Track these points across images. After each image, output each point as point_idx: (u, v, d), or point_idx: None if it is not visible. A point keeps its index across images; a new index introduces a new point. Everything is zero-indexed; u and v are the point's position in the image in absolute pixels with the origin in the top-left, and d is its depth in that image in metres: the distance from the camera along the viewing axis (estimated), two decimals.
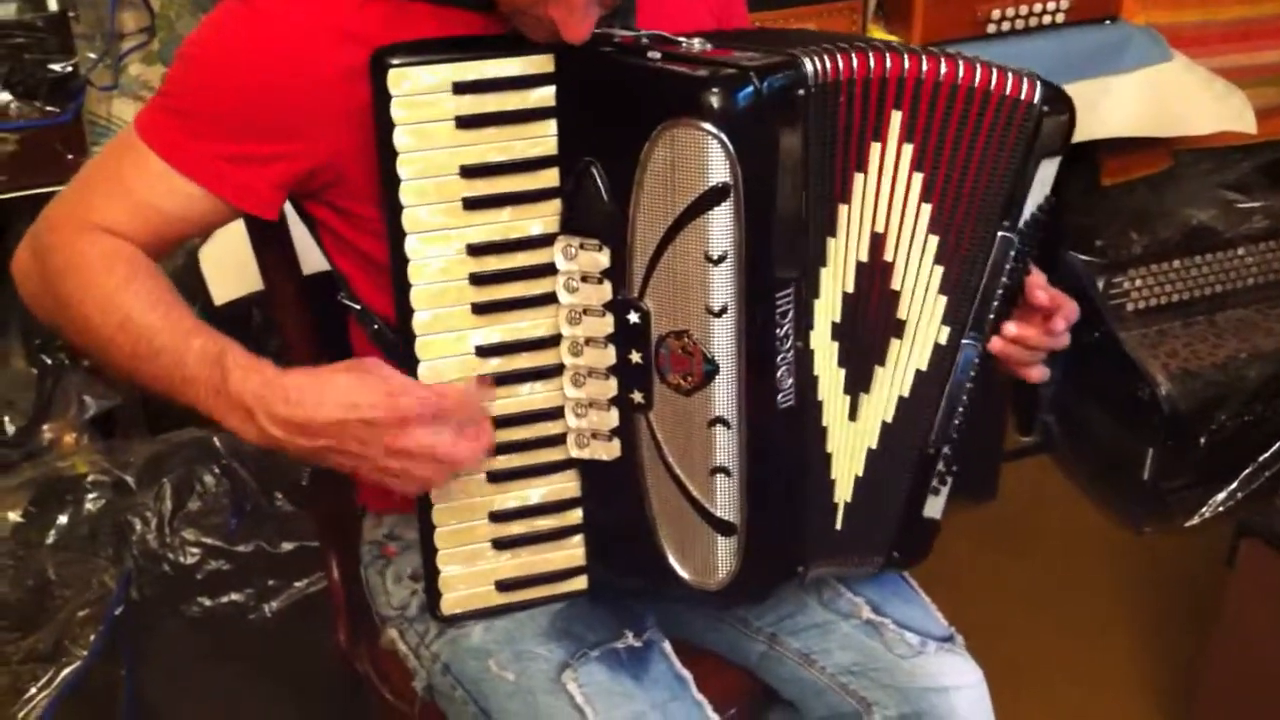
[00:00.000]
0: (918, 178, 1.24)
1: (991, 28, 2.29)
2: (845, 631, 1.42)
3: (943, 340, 1.29)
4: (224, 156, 1.23)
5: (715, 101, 1.12)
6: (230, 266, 1.88)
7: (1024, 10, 2.29)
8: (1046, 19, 2.32)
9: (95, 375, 2.17)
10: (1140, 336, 2.73)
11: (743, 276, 1.18)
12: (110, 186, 1.25)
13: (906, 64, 1.21)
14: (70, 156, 1.96)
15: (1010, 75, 1.23)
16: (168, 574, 1.95)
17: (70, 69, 1.97)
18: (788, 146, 1.18)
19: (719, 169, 1.14)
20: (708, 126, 1.12)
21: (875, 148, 1.22)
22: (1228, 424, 2.66)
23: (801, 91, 1.17)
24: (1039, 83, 1.24)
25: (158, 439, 2.07)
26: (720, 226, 1.16)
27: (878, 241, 1.25)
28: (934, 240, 1.26)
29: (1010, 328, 1.31)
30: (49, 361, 2.15)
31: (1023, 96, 1.23)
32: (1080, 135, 2.35)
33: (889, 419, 1.31)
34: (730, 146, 1.13)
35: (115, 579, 1.91)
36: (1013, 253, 1.27)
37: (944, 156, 1.24)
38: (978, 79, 1.22)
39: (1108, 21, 2.38)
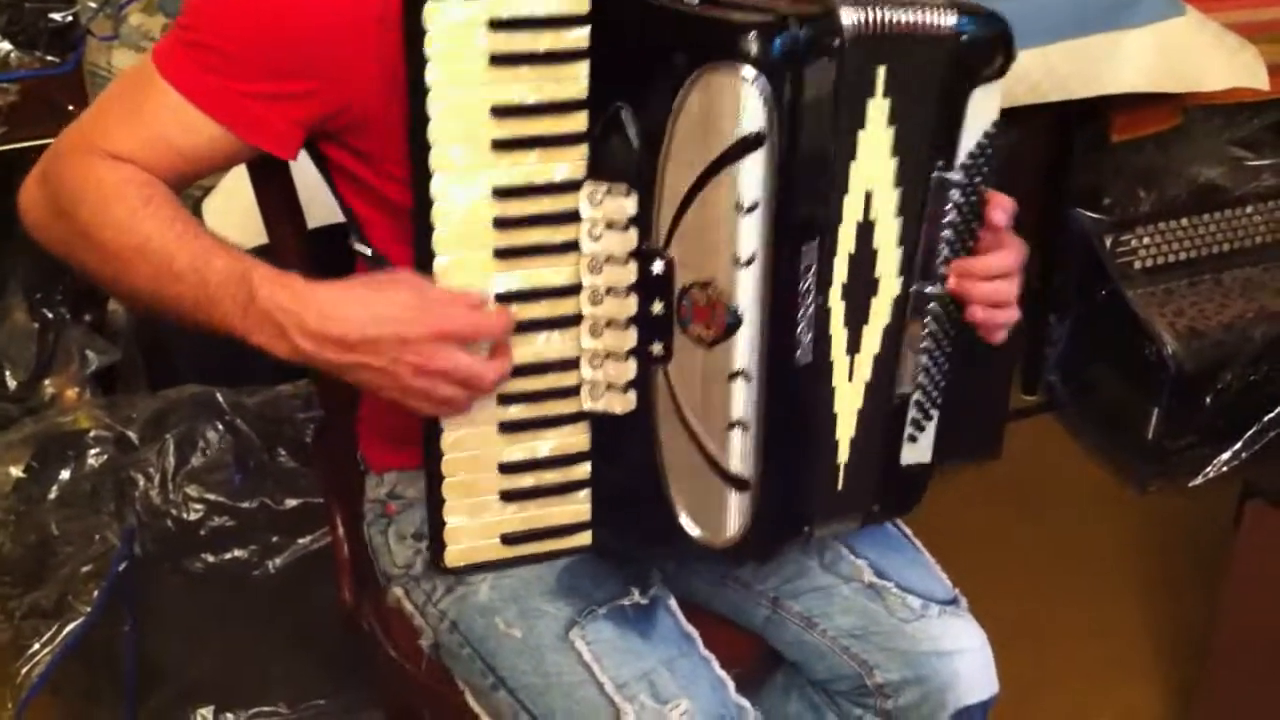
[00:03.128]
0: (890, 132, 1.22)
1: None
2: (847, 595, 1.42)
3: (897, 291, 1.28)
4: (245, 94, 1.21)
5: (753, 47, 1.10)
6: (233, 219, 1.87)
7: None
8: None
9: (96, 330, 2.17)
10: (1147, 295, 2.72)
11: (771, 227, 1.17)
12: (126, 118, 1.23)
13: (901, 16, 1.19)
14: (70, 107, 1.96)
15: (926, 11, 1.20)
16: (171, 530, 1.94)
17: (71, 19, 1.97)
18: (822, 96, 1.16)
19: (755, 115, 1.12)
20: (746, 71, 1.11)
21: (870, 103, 1.21)
22: (1233, 384, 2.65)
23: (836, 42, 1.15)
24: (954, 10, 1.21)
25: (160, 395, 2.07)
26: (752, 174, 1.14)
27: (869, 200, 1.24)
28: (897, 193, 1.25)
29: (951, 272, 1.29)
30: (50, 316, 2.15)
31: (944, 26, 1.21)
32: (1092, 91, 2.37)
33: (869, 378, 1.31)
34: (767, 93, 1.12)
35: (118, 535, 1.90)
36: (955, 191, 1.26)
37: (903, 107, 1.22)
38: (917, 19, 1.20)
39: None
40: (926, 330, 1.31)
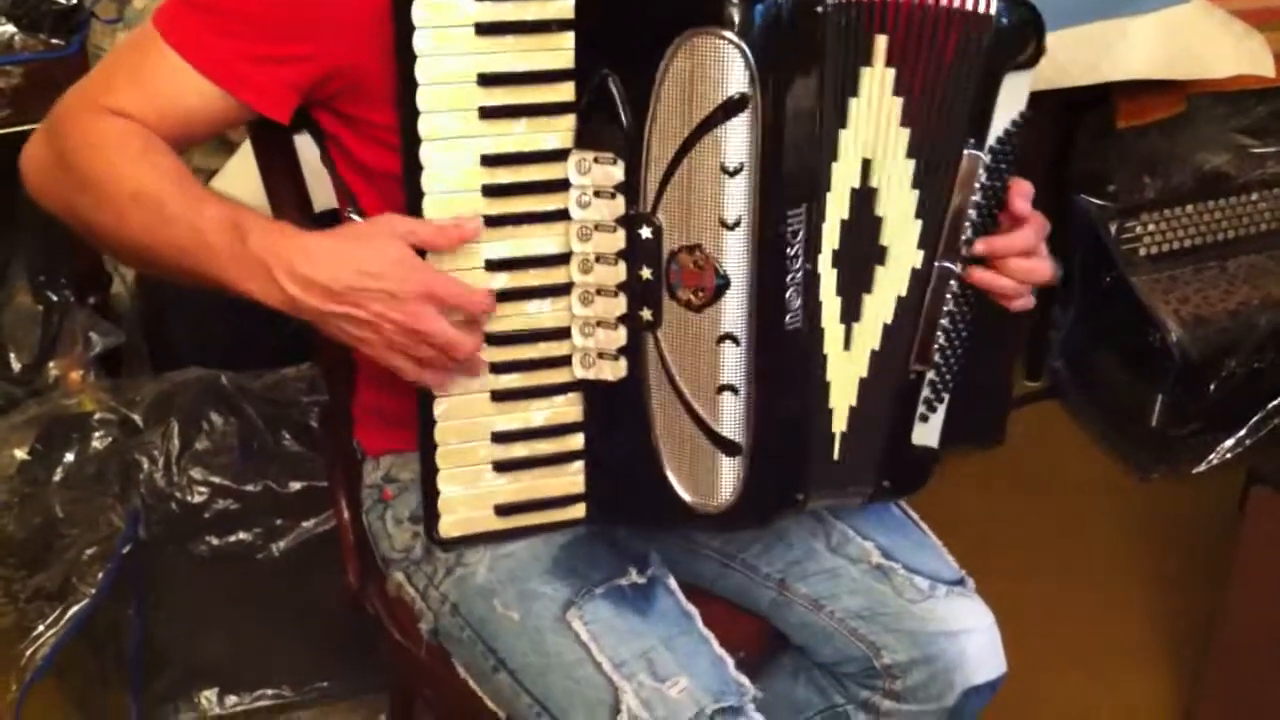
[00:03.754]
0: (897, 102, 1.24)
1: None
2: (854, 576, 1.42)
3: (918, 264, 1.30)
4: (243, 55, 1.22)
5: (735, 12, 1.14)
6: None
7: None
8: None
9: (100, 313, 2.17)
10: (1152, 282, 2.72)
11: (757, 190, 1.19)
12: (128, 78, 1.24)
13: None
14: None
15: None
16: (175, 513, 1.95)
17: (75, 2, 1.95)
18: (805, 61, 1.19)
19: (738, 78, 1.15)
20: (729, 35, 1.14)
21: (865, 72, 1.22)
22: (1238, 371, 2.65)
23: (820, 8, 1.18)
24: None
25: (164, 377, 2.07)
26: (737, 137, 1.17)
27: (866, 167, 1.26)
28: (910, 164, 1.26)
29: (979, 245, 1.30)
30: (54, 298, 2.15)
31: (981, 9, 1.23)
32: (1097, 78, 2.37)
33: (876, 347, 1.32)
34: (750, 56, 1.14)
35: (122, 517, 1.91)
36: (983, 171, 1.27)
37: (919, 79, 1.24)
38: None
39: None
40: (947, 307, 1.31)
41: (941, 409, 1.37)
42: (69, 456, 1.96)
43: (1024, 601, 2.17)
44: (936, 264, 1.29)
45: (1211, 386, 2.65)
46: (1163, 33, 2.34)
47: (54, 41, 1.96)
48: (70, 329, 2.12)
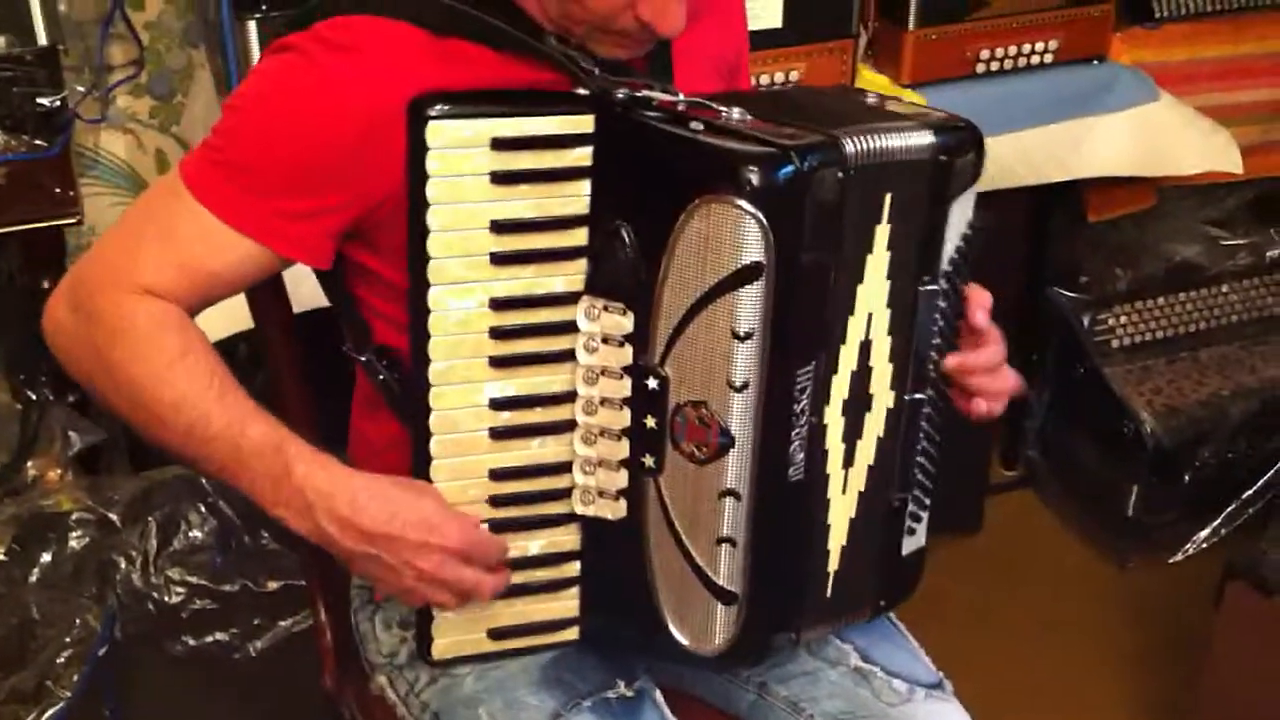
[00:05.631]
0: (888, 255, 1.23)
1: (980, 68, 2.30)
2: (833, 679, 1.42)
3: (890, 404, 1.29)
4: (280, 212, 1.20)
5: (754, 179, 1.11)
6: (219, 305, 1.88)
7: (1012, 50, 2.30)
8: (1035, 59, 2.33)
9: (79, 410, 2.16)
10: (1125, 373, 2.75)
11: (767, 354, 1.17)
12: (157, 244, 1.21)
13: (897, 142, 1.20)
14: (58, 190, 1.95)
15: (906, 133, 1.21)
16: (152, 613, 1.94)
17: (58, 102, 1.96)
18: (822, 227, 1.17)
19: (754, 247, 1.13)
20: (744, 204, 1.12)
21: (877, 229, 1.22)
22: (1211, 460, 2.68)
23: (841, 174, 1.16)
24: (928, 128, 1.22)
25: (142, 476, 2.06)
26: (750, 304, 1.15)
27: (870, 320, 1.25)
28: (888, 313, 1.26)
29: (948, 362, 1.31)
30: (33, 396, 2.13)
31: (920, 149, 1.21)
32: (1069, 175, 2.41)
33: (863, 488, 1.31)
34: (766, 225, 1.12)
35: (99, 618, 1.89)
36: (939, 302, 1.27)
37: (902, 231, 1.23)
38: (904, 143, 1.20)
39: (1095, 62, 2.40)
40: (922, 434, 1.32)
41: (926, 515, 1.38)
42: (46, 556, 1.95)
43: (999, 689, 2.16)
44: (907, 399, 1.29)
45: (1186, 476, 2.67)
46: (1131, 130, 2.38)
47: (37, 142, 1.96)
48: (49, 427, 2.10)
